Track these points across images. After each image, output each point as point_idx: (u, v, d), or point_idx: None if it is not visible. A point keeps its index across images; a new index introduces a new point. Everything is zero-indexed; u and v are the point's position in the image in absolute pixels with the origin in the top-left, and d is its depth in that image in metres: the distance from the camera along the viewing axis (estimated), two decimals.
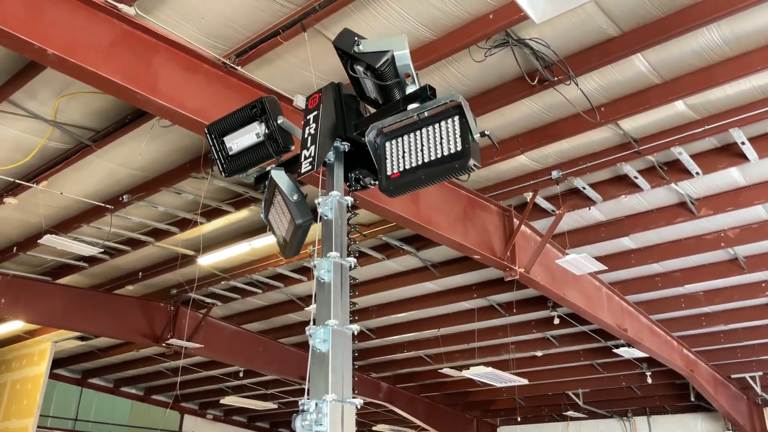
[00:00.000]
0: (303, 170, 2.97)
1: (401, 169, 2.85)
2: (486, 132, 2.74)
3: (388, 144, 2.91)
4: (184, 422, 17.91)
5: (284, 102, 5.39)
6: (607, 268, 7.95)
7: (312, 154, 2.96)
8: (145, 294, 10.71)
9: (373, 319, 10.99)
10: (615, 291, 9.12)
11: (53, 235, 7.76)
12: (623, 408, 14.98)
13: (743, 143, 6.11)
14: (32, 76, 5.48)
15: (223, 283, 9.81)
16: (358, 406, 2.63)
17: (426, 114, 2.82)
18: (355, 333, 2.76)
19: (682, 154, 6.31)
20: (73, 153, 6.60)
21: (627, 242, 8.22)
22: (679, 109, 5.87)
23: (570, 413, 15.13)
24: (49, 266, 9.75)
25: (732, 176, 6.83)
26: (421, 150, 2.81)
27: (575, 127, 6.06)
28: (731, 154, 6.41)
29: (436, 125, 2.79)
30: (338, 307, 2.74)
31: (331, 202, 2.94)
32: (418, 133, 2.84)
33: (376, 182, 3.01)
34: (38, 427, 11.30)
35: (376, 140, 2.93)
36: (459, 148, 2.70)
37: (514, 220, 7.34)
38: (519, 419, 16.15)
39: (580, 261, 7.39)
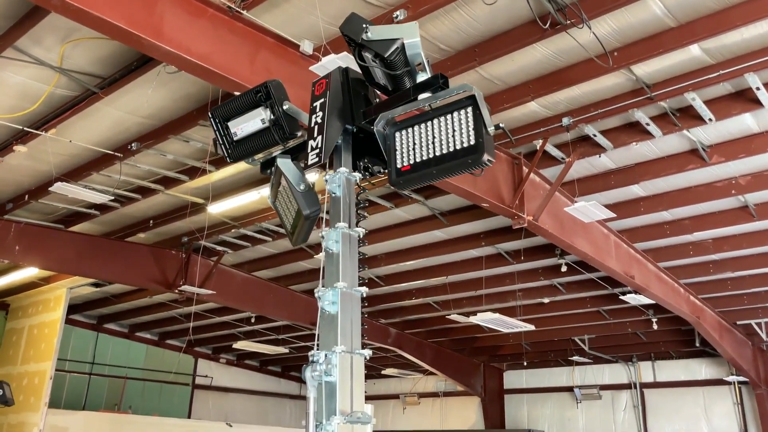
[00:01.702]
0: (309, 162, 2.89)
1: (411, 162, 2.76)
2: (501, 125, 2.68)
3: (398, 134, 2.82)
4: (198, 366, 18.39)
5: (291, 47, 5.33)
6: (615, 215, 7.94)
7: (319, 145, 2.86)
8: (156, 242, 10.83)
9: (381, 266, 11.11)
10: (623, 239, 9.13)
11: (64, 183, 7.82)
12: (628, 353, 15.21)
13: (758, 89, 5.99)
14: (36, 22, 5.40)
15: (233, 231, 9.89)
16: (367, 357, 2.65)
17: (438, 103, 2.71)
18: (364, 295, 2.73)
19: (695, 99, 6.21)
20: (80, 100, 6.57)
21: (637, 190, 8.17)
22: (693, 53, 5.74)
23: (575, 358, 15.40)
24: (60, 214, 9.85)
25: (745, 122, 6.72)
26: (433, 142, 2.71)
27: (587, 72, 5.95)
28: (745, 99, 6.29)
29: (448, 116, 2.69)
30: (347, 274, 2.72)
31: (339, 178, 2.89)
32: (429, 123, 2.74)
33: (386, 170, 2.93)
34: (56, 370, 11.62)
35: (385, 130, 2.85)
36: (472, 142, 2.60)
37: (524, 167, 7.30)
38: (525, 364, 16.47)
39: (589, 209, 7.39)
